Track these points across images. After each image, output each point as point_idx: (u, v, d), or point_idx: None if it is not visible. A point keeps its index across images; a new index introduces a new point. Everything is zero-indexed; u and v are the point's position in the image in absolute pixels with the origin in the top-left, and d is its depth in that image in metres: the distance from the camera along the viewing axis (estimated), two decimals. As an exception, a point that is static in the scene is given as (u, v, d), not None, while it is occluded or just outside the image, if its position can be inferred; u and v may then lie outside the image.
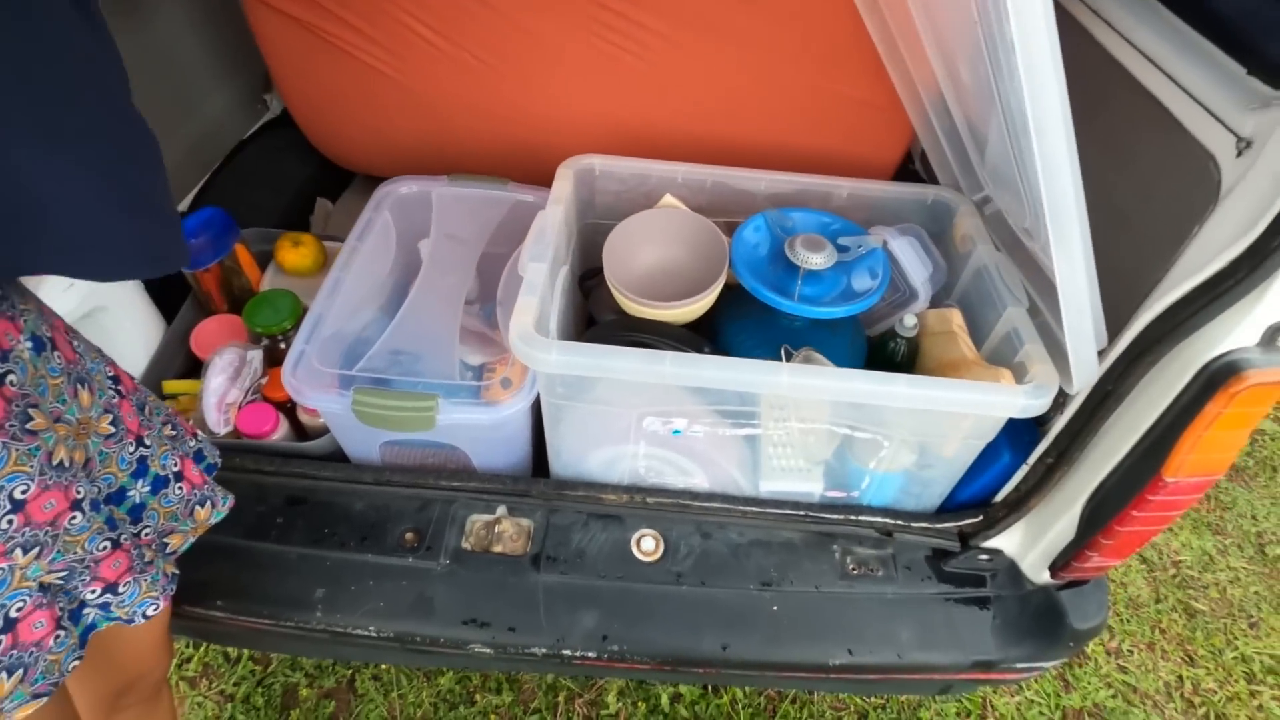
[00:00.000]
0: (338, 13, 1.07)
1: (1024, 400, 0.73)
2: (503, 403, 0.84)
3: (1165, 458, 0.68)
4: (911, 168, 1.38)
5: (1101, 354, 0.73)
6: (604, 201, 1.07)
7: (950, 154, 0.99)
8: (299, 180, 1.44)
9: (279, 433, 0.98)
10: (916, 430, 0.81)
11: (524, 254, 0.85)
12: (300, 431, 1.02)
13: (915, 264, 0.94)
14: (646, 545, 0.92)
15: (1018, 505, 0.85)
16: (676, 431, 0.84)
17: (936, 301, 0.98)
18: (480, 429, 0.85)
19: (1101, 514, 0.76)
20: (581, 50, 1.07)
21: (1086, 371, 0.70)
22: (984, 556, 0.91)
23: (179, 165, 1.25)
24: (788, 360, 0.88)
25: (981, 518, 0.90)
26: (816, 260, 0.89)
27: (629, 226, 0.97)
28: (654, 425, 0.83)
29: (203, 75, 1.30)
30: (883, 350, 0.99)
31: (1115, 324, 0.73)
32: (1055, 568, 0.84)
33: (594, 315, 1.04)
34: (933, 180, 1.10)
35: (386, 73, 1.14)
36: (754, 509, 0.92)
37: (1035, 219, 0.76)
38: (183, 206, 1.27)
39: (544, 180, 1.00)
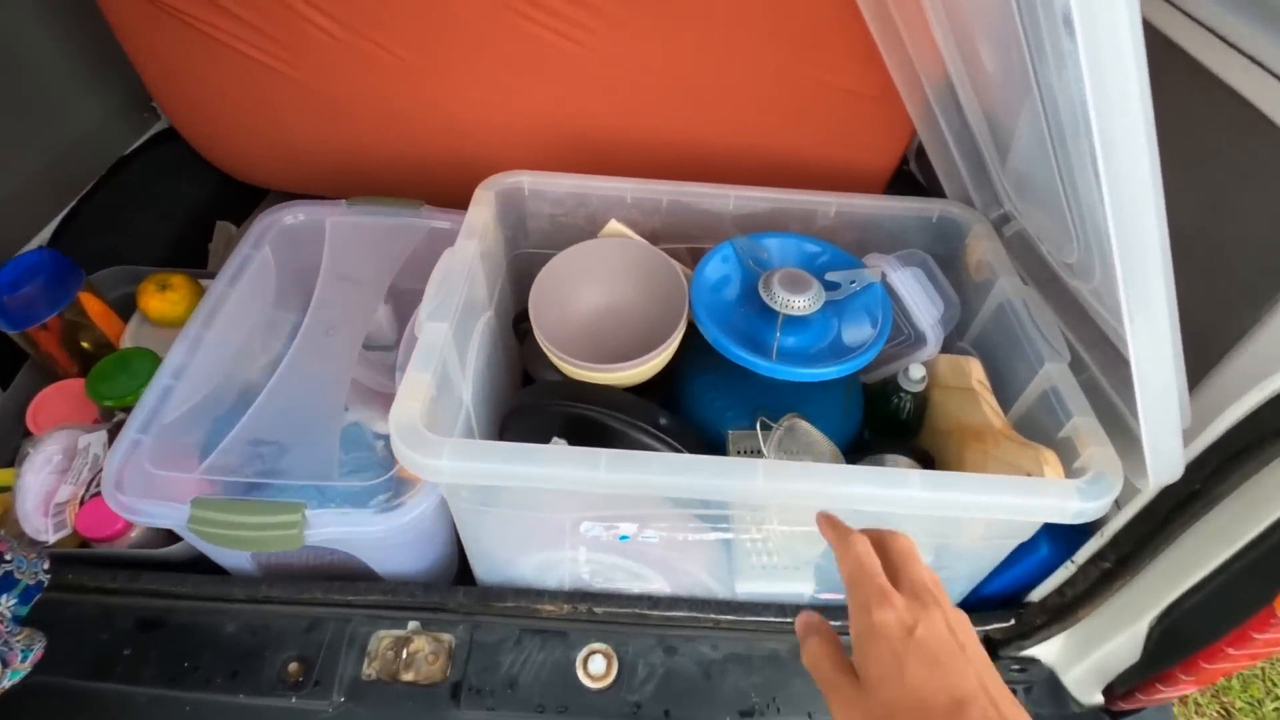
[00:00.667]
0: (209, -5, 0.86)
1: (1079, 503, 0.54)
2: (403, 504, 0.64)
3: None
4: (906, 169, 1.20)
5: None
6: (538, 228, 0.87)
7: (960, 159, 0.80)
8: (194, 201, 1.23)
9: (135, 531, 0.78)
10: (932, 532, 0.63)
11: (421, 309, 0.65)
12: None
13: (923, 302, 0.75)
14: (595, 666, 0.73)
15: (1061, 613, 0.67)
16: (624, 538, 0.65)
17: (948, 342, 0.80)
18: (374, 537, 0.65)
19: (1179, 641, 0.58)
20: (509, 36, 0.87)
21: (1167, 466, 0.52)
22: (1016, 667, 0.72)
23: (33, 189, 1.03)
24: (764, 431, 0.69)
25: (1014, 622, 0.71)
26: (800, 304, 0.70)
27: (562, 264, 0.77)
28: (595, 530, 0.64)
29: (67, 77, 1.08)
30: (884, 405, 0.80)
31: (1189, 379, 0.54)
32: (1112, 693, 0.66)
33: (529, 371, 0.85)
34: (934, 188, 0.92)
35: (278, 69, 0.93)
36: (729, 616, 0.73)
37: (1088, 257, 0.58)
38: (42, 238, 1.06)
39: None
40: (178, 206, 1.21)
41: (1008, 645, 0.72)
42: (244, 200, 1.28)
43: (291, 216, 0.86)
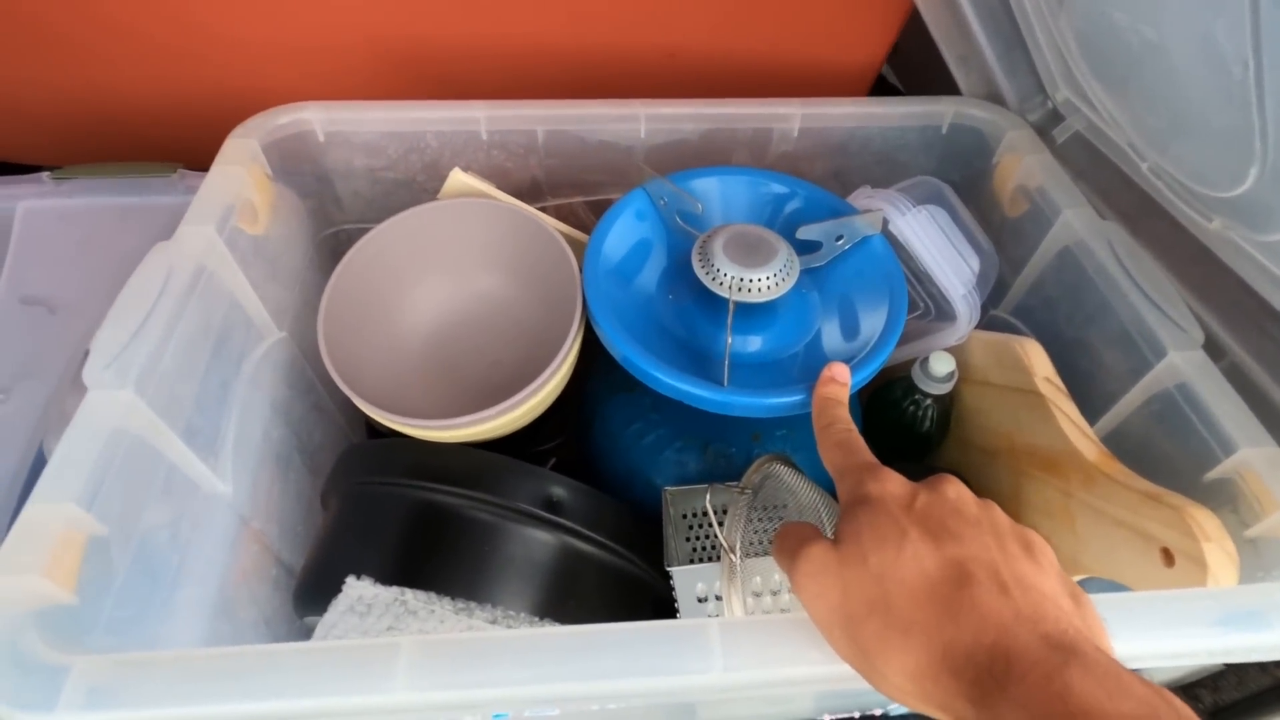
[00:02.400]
0: None
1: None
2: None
3: None
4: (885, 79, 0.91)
5: None
6: (354, 191, 0.57)
7: (981, 30, 0.53)
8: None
9: None
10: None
11: (88, 362, 0.36)
12: None
13: (948, 258, 0.49)
14: None
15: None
16: (500, 717, 0.39)
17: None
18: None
19: None
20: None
21: None
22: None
23: None
24: (716, 497, 0.43)
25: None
26: (761, 283, 0.43)
27: (374, 251, 0.48)
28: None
29: None
30: (891, 414, 0.54)
31: None
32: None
33: (369, 420, 0.56)
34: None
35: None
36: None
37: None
38: None
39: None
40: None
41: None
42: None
43: (-53, 206, 0.54)
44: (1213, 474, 0.37)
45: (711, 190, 0.50)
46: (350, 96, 0.54)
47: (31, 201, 0.55)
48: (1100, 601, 0.31)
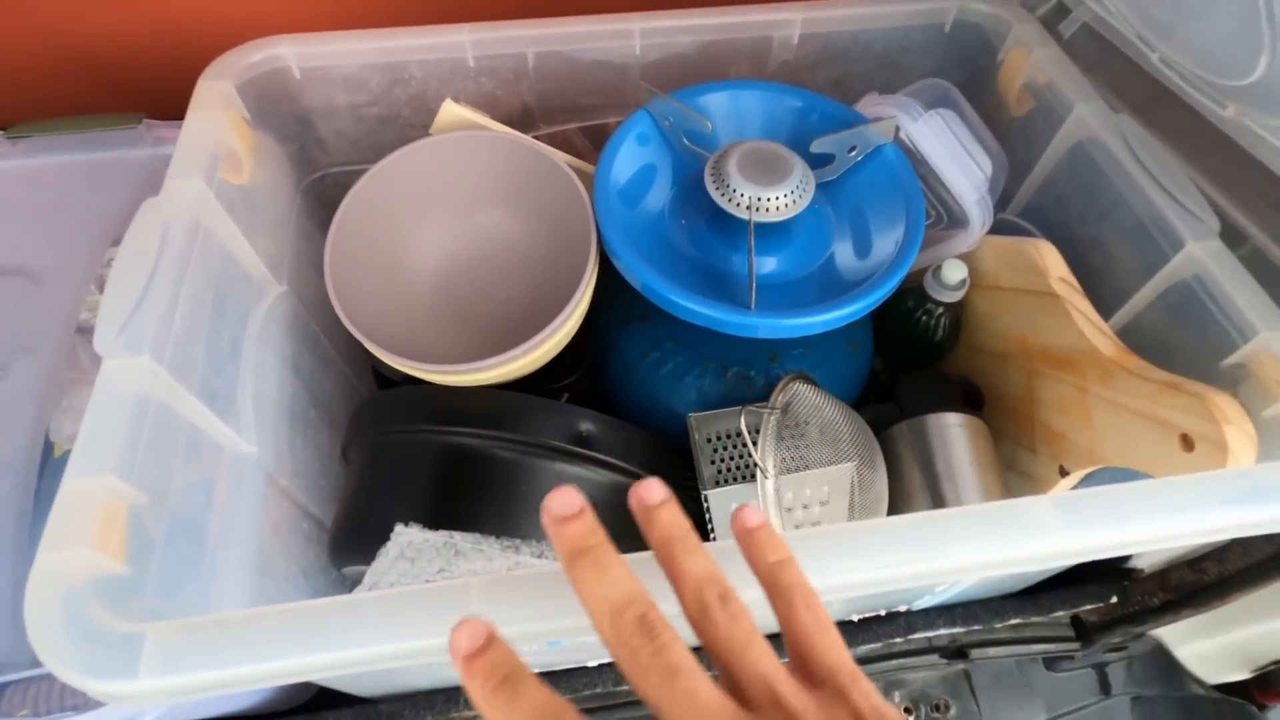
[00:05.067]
0: None
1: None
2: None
3: None
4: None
5: None
6: (337, 131, 0.54)
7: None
8: None
9: None
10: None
11: (97, 332, 0.34)
12: None
13: (960, 163, 0.48)
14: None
15: (1197, 596, 0.46)
16: (555, 643, 0.40)
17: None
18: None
19: None
20: None
21: None
22: (1116, 652, 0.54)
23: None
24: (749, 418, 0.43)
25: (1116, 600, 0.52)
26: (778, 201, 0.42)
27: (372, 193, 0.46)
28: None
29: None
30: (902, 324, 0.55)
31: None
32: (1268, 686, 0.48)
33: (376, 368, 0.55)
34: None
35: None
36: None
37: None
38: None
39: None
40: None
41: (1109, 630, 0.52)
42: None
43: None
44: (1229, 360, 0.38)
45: (719, 107, 0.48)
46: (318, 27, 0.50)
47: (-15, 164, 0.52)
48: (1130, 488, 0.32)
